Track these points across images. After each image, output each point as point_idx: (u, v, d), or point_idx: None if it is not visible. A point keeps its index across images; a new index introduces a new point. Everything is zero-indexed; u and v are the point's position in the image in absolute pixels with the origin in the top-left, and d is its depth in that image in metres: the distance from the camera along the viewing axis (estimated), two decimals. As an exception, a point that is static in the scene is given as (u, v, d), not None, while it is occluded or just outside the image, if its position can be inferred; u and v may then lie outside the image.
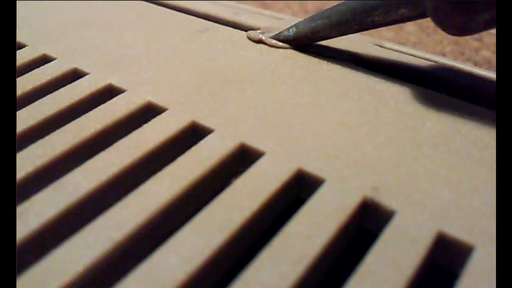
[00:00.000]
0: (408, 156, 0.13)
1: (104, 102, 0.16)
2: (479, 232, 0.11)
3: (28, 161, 0.13)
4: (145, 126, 0.14)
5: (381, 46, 0.19)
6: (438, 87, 0.16)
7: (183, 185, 0.12)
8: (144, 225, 0.11)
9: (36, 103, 0.16)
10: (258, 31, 0.19)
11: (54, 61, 0.18)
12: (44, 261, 0.10)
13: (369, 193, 0.12)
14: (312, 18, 0.18)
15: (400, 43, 0.19)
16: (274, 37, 0.19)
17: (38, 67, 0.18)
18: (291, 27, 0.18)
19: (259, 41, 0.19)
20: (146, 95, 0.16)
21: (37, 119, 0.15)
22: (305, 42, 0.18)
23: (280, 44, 0.19)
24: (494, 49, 0.32)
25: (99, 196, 0.12)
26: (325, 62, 0.18)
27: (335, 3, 0.17)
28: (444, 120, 0.14)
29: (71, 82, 0.17)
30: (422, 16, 0.15)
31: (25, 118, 0.15)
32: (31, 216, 0.11)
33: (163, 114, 0.15)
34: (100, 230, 0.11)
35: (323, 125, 0.14)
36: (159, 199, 0.12)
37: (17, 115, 0.15)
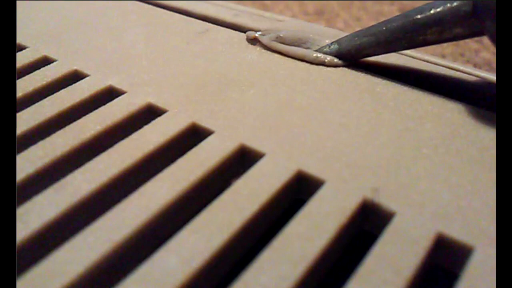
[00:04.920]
0: (408, 157, 0.13)
1: (104, 103, 0.16)
2: (479, 233, 0.11)
3: (28, 162, 0.13)
4: (145, 127, 0.14)
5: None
6: (437, 89, 0.16)
7: (183, 187, 0.12)
8: (144, 227, 0.11)
9: (36, 104, 0.16)
10: (258, 33, 0.19)
11: (55, 62, 0.18)
12: (44, 262, 0.10)
13: (369, 194, 0.12)
14: (355, 35, 0.17)
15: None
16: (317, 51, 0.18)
17: (39, 68, 0.18)
18: (332, 43, 0.18)
19: (254, 40, 0.19)
20: (146, 96, 0.16)
21: (38, 120, 0.15)
22: (347, 59, 0.17)
23: (273, 44, 0.18)
24: (494, 50, 0.32)
25: (100, 198, 0.12)
26: (325, 63, 0.18)
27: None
28: (443, 122, 0.14)
29: (71, 84, 0.17)
30: (477, 35, 0.14)
31: (26, 120, 0.15)
32: (32, 217, 0.11)
33: (163, 115, 0.15)
34: (101, 231, 0.11)
35: (323, 126, 0.14)
36: (159, 201, 0.12)
37: (18, 116, 0.15)
